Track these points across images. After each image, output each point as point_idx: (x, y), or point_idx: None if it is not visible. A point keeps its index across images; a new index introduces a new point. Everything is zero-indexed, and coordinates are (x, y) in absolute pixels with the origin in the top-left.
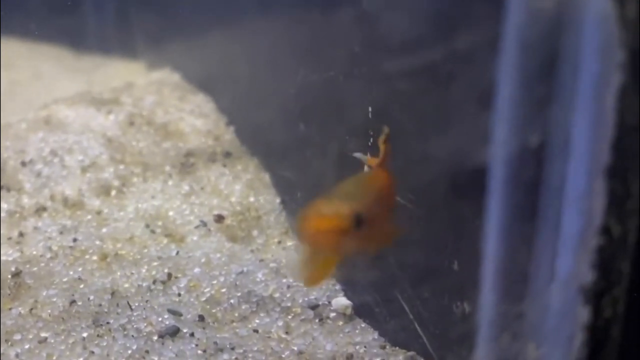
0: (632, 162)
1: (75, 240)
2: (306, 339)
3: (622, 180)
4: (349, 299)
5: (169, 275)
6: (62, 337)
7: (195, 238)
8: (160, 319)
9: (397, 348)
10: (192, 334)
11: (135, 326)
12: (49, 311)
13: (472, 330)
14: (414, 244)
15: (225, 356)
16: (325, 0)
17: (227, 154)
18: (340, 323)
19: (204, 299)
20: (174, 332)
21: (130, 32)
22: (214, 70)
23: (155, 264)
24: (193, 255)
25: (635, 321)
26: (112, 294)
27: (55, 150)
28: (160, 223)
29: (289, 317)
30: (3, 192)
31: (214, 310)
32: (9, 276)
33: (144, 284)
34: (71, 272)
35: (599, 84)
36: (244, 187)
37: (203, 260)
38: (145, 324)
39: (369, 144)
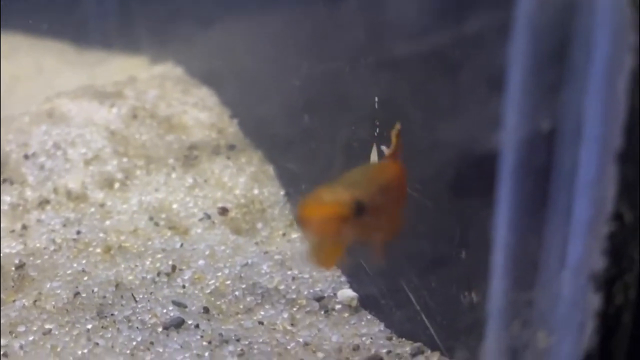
0: None
1: (78, 232)
2: (312, 331)
3: (634, 165)
4: (354, 290)
5: (173, 267)
6: (67, 328)
7: (199, 230)
8: (164, 311)
9: (403, 339)
10: (197, 326)
11: (139, 318)
12: (53, 303)
13: (481, 320)
14: (421, 234)
15: (231, 347)
16: None
17: (231, 147)
18: (346, 315)
19: (208, 291)
20: (178, 324)
21: (133, 27)
22: (217, 63)
23: (159, 256)
24: (197, 248)
25: None
26: (116, 286)
27: (59, 143)
28: (163, 216)
29: (294, 309)
30: (6, 185)
31: (218, 302)
32: (13, 268)
33: (148, 276)
34: (75, 265)
35: (611, 68)
36: (248, 179)
37: (207, 252)
38: (149, 316)
39: (375, 134)
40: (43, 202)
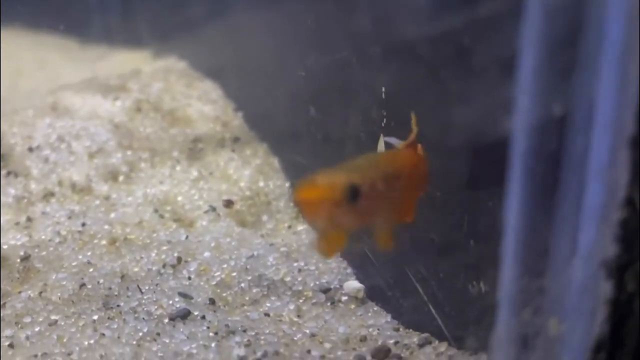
0: None
1: (83, 224)
2: (318, 322)
3: None
4: (360, 282)
5: (179, 259)
6: (73, 319)
7: (204, 223)
8: (170, 302)
9: (410, 330)
10: (203, 317)
11: (145, 309)
12: (59, 294)
13: (489, 309)
14: (429, 223)
15: (237, 338)
16: None
17: (236, 139)
18: (353, 306)
19: (214, 282)
20: (184, 315)
21: (135, 21)
22: (221, 56)
23: (164, 248)
24: (203, 240)
25: None
26: (122, 277)
27: (63, 136)
28: (169, 208)
29: (301, 300)
30: (11, 178)
31: (224, 294)
32: (18, 260)
33: (154, 268)
34: (80, 256)
35: (624, 52)
36: (253, 172)
37: (213, 244)
38: (155, 307)
39: (382, 125)
40: (48, 195)
